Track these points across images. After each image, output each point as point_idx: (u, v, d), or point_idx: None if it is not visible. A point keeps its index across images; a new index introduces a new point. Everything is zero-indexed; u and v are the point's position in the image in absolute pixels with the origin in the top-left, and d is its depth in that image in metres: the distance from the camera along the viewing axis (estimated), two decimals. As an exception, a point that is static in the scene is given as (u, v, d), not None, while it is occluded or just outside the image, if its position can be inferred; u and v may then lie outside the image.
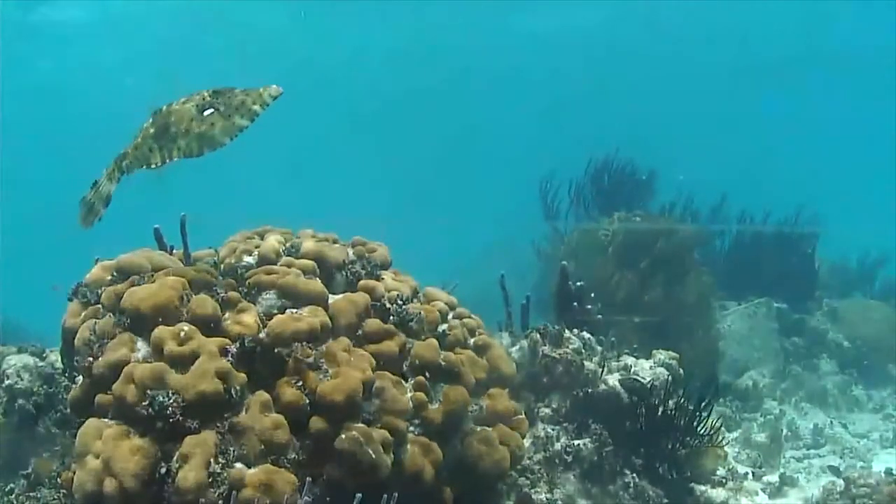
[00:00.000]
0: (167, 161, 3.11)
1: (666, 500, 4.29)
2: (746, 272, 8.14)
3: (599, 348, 4.82)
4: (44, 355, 4.36)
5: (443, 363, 3.41)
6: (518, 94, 26.08)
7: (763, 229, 8.57)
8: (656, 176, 8.91)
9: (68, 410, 3.39)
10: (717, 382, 4.62)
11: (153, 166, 3.13)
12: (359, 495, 2.62)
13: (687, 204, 8.59)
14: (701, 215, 8.74)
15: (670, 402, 4.47)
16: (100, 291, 3.35)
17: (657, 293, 6.79)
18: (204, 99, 3.09)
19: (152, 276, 3.34)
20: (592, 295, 5.19)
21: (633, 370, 4.77)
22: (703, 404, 4.45)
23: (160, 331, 3.00)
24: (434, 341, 3.49)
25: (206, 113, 3.06)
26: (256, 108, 3.05)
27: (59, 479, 3.30)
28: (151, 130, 3.13)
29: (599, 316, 5.19)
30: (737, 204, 8.87)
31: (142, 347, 3.03)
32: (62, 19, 18.03)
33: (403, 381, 3.29)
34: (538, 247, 8.37)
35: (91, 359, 3.05)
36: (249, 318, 3.16)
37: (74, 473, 2.86)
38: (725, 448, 4.96)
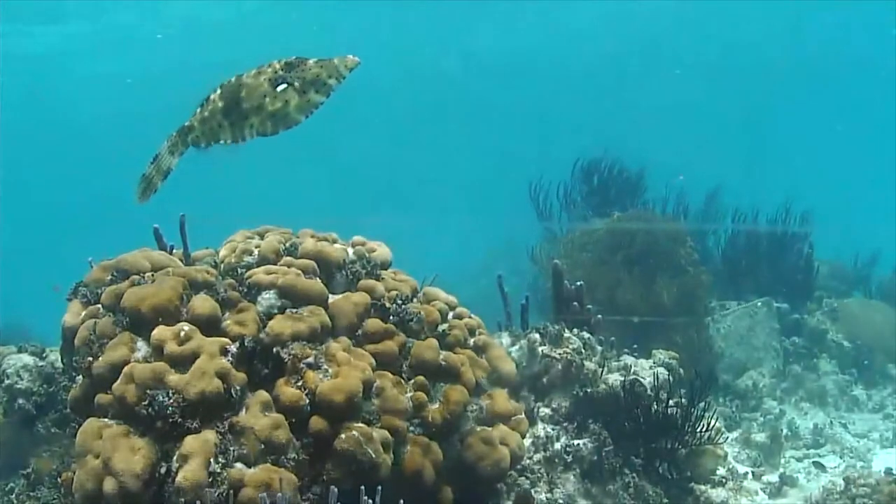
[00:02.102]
0: (239, 141, 2.93)
1: (666, 500, 4.29)
2: (743, 271, 8.12)
3: (599, 348, 4.82)
4: (44, 355, 4.36)
5: (443, 363, 3.41)
6: (518, 93, 26.07)
7: (759, 228, 8.54)
8: (645, 175, 8.87)
9: (68, 410, 3.39)
10: (704, 379, 4.60)
11: (223, 143, 2.93)
12: (334, 489, 2.60)
13: (679, 202, 8.58)
14: (696, 213, 8.71)
15: (670, 402, 4.48)
16: (100, 291, 3.35)
17: (644, 291, 6.79)
18: (276, 72, 2.86)
19: (152, 275, 3.34)
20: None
21: (632, 370, 4.77)
22: (700, 403, 4.45)
23: (160, 331, 3.00)
24: (434, 341, 3.49)
25: (279, 88, 2.84)
26: (332, 82, 2.84)
27: (59, 479, 3.30)
28: (220, 105, 2.90)
29: (599, 316, 5.19)
30: (734, 204, 8.84)
31: (142, 347, 3.03)
32: (64, 19, 18.03)
33: (403, 381, 3.29)
34: (532, 250, 8.27)
35: (91, 359, 3.05)
36: (249, 318, 3.16)
37: (74, 473, 2.86)
38: (725, 448, 4.97)
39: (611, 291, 6.69)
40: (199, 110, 2.96)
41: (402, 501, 2.76)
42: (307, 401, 3.01)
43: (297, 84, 2.84)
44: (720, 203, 8.96)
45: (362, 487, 2.68)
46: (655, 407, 4.40)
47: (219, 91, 2.93)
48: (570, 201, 8.69)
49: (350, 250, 3.81)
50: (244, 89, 2.87)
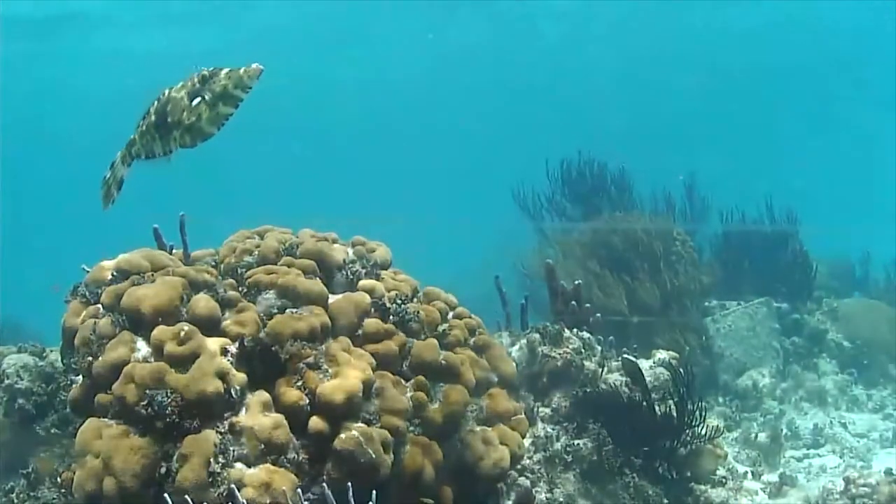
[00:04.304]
0: (168, 153, 3.07)
1: (666, 500, 4.29)
2: (737, 270, 8.11)
3: (599, 348, 4.82)
4: (44, 355, 4.35)
5: (443, 363, 3.41)
6: (515, 92, 26.08)
7: (753, 228, 8.50)
8: (635, 176, 8.78)
9: (68, 410, 3.39)
10: (690, 374, 4.59)
11: (158, 156, 3.08)
12: (298, 490, 2.59)
13: (672, 201, 8.52)
14: (691, 213, 8.64)
15: (669, 401, 4.48)
16: (100, 291, 3.35)
17: (642, 290, 6.78)
18: (194, 85, 2.97)
19: (152, 275, 3.34)
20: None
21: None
22: (696, 401, 4.44)
23: (160, 330, 3.00)
24: (434, 341, 3.49)
25: (194, 102, 2.96)
26: (238, 93, 2.91)
27: (59, 479, 3.30)
28: (153, 119, 3.06)
29: (598, 315, 5.19)
30: (727, 203, 8.77)
31: (142, 347, 3.03)
32: (64, 19, 18.03)
33: (403, 381, 3.30)
34: (522, 263, 8.15)
35: (91, 358, 3.05)
36: (249, 318, 3.16)
37: (74, 473, 2.86)
38: (725, 448, 4.96)
39: (607, 291, 6.67)
40: (140, 123, 3.10)
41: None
42: (307, 401, 3.01)
43: (207, 97, 2.93)
44: (714, 202, 8.89)
45: (350, 486, 2.67)
46: (646, 405, 4.40)
47: (155, 104, 3.06)
48: (554, 204, 8.65)
49: (350, 250, 3.82)
50: (170, 104, 3.00)
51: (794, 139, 27.81)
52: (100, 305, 3.29)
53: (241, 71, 2.89)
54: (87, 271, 3.56)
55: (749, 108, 26.36)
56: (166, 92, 3.04)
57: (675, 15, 20.33)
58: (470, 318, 3.85)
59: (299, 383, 3.05)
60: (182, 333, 2.99)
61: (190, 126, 2.97)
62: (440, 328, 3.65)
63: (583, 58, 23.12)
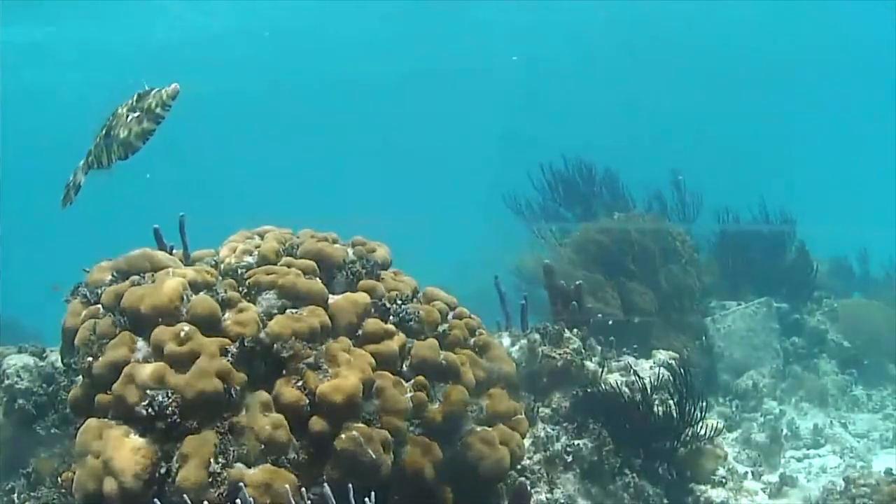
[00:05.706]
0: (111, 163, 3.30)
1: (666, 500, 4.30)
2: (740, 271, 8.11)
3: (599, 348, 4.83)
4: (44, 355, 4.36)
5: (443, 363, 3.41)
6: (514, 91, 26.09)
7: (752, 228, 8.48)
8: (629, 177, 8.75)
9: (68, 410, 3.39)
10: (688, 372, 4.60)
11: (105, 165, 3.32)
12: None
13: (662, 201, 8.50)
14: (689, 213, 8.61)
15: (670, 401, 4.48)
16: (100, 291, 3.35)
17: (642, 291, 6.79)
18: (133, 102, 3.20)
19: (152, 276, 3.34)
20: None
21: (632, 370, 4.78)
22: (696, 401, 4.45)
23: (160, 331, 3.00)
24: (434, 341, 3.49)
25: (129, 118, 3.19)
26: (159, 111, 3.13)
27: (59, 479, 3.30)
28: (103, 132, 3.29)
29: (599, 315, 5.19)
30: (724, 203, 8.74)
31: (142, 347, 3.03)
32: (63, 19, 18.04)
33: (403, 381, 3.30)
34: (519, 269, 8.13)
35: (91, 359, 3.05)
36: (249, 318, 3.16)
37: (74, 473, 2.86)
38: (725, 448, 4.97)
39: (598, 296, 6.65)
40: (97, 135, 3.33)
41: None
42: (307, 401, 3.01)
43: (138, 113, 3.18)
44: (710, 202, 8.86)
45: (351, 486, 2.67)
46: (646, 404, 4.40)
47: (109, 119, 3.29)
48: (546, 208, 8.64)
49: (350, 250, 3.81)
50: (115, 118, 3.25)
51: (792, 140, 27.82)
52: (100, 305, 3.29)
53: (163, 91, 3.13)
54: (87, 272, 3.57)
55: (747, 108, 26.36)
56: (118, 108, 3.27)
57: (672, 12, 20.33)
58: (470, 318, 3.85)
59: (299, 383, 3.05)
60: (182, 333, 2.99)
61: (123, 140, 3.21)
62: (440, 328, 3.65)
63: (581, 56, 23.14)
